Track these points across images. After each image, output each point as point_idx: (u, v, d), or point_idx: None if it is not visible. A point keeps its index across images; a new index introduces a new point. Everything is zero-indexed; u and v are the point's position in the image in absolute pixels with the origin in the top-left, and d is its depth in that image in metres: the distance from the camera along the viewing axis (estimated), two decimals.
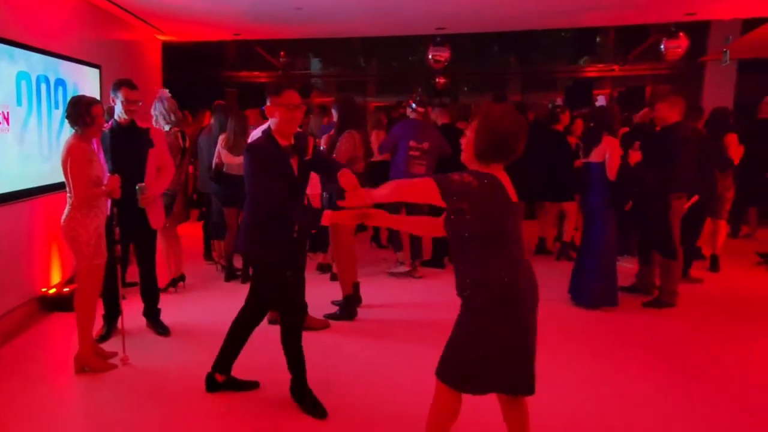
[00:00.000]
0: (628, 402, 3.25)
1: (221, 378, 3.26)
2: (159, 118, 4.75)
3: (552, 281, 4.98)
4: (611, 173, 4.53)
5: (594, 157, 4.62)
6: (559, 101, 7.15)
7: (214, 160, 5.34)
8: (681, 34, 8.05)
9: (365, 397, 3.26)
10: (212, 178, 5.37)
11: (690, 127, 4.99)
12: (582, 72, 12.38)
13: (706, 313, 4.75)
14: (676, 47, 8.19)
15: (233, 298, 4.97)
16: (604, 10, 6.74)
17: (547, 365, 3.63)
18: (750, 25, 7.76)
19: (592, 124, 4.73)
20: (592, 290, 4.72)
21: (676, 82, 10.59)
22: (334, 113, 4.93)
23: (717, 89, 9.68)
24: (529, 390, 2.28)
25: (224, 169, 5.27)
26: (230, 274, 5.49)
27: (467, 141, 2.27)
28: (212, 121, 5.86)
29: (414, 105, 5.55)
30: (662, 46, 8.30)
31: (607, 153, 4.53)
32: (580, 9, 6.71)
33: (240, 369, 3.30)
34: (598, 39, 12.11)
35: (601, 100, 7.47)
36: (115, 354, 3.73)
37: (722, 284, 5.54)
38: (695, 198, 5.08)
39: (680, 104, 4.76)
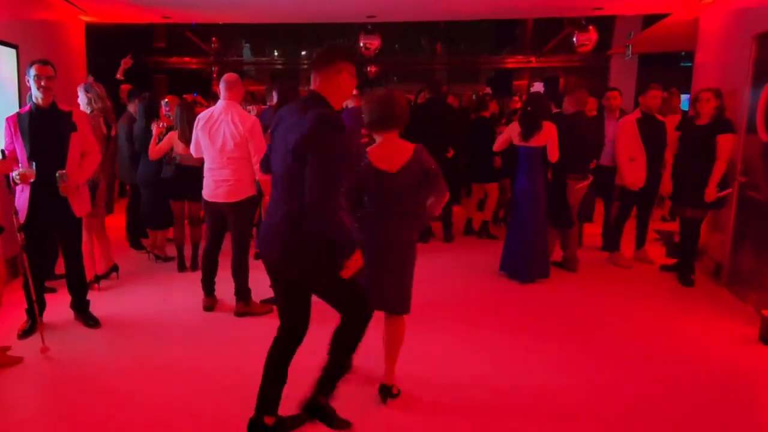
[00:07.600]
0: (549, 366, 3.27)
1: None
2: (83, 105, 4.29)
3: (483, 257, 5.39)
4: (554, 157, 4.60)
5: (534, 142, 4.61)
6: (487, 90, 7.15)
7: (174, 152, 4.77)
8: (591, 28, 8.24)
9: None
10: (171, 172, 4.81)
11: (586, 116, 5.21)
12: (503, 63, 12.51)
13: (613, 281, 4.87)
14: (586, 41, 8.39)
15: (166, 287, 4.63)
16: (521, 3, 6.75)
17: (485, 337, 3.65)
18: (650, 20, 8.05)
19: (529, 109, 4.68)
20: (531, 265, 4.74)
21: (586, 73, 10.92)
22: (275, 97, 4.71)
23: (621, 81, 10.06)
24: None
25: (179, 161, 4.74)
26: (181, 265, 5.02)
27: None
28: (131, 108, 5.40)
29: (355, 92, 5.27)
30: (574, 40, 8.48)
31: (550, 139, 4.56)
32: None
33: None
34: (517, 31, 12.27)
35: (537, 87, 7.50)
36: (8, 347, 3.31)
37: None
38: (590, 179, 5.15)
39: (583, 96, 5.00)
